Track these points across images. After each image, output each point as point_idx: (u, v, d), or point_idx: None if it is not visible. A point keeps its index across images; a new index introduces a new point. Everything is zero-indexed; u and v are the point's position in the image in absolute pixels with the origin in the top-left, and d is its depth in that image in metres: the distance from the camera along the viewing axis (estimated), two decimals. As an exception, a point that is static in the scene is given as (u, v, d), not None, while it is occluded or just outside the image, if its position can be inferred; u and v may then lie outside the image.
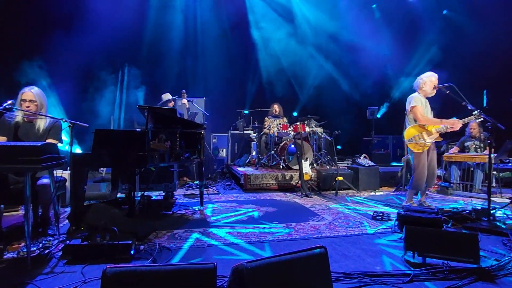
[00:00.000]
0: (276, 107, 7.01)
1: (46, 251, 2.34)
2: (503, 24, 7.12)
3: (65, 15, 6.44)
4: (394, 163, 7.15)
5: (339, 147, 8.97)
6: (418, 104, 3.75)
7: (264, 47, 8.93)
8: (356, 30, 8.97)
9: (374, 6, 9.36)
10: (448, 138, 6.50)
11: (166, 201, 4.32)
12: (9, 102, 2.61)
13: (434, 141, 3.78)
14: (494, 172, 5.09)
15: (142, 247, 2.46)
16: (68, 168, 3.35)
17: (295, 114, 9.02)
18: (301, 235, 2.92)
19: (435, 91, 3.79)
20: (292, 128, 6.20)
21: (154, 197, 4.33)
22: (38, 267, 2.12)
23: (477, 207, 3.33)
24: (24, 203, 2.12)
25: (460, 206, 3.88)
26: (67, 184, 3.60)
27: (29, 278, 1.97)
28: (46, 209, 2.76)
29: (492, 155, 3.32)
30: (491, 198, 3.21)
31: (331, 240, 2.80)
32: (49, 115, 2.84)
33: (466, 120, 3.73)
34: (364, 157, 6.28)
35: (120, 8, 7.18)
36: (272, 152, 6.37)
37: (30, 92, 2.80)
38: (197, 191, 4.86)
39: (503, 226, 3.00)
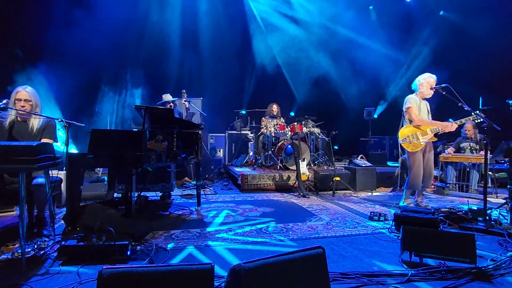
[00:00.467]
0: (274, 107, 7.01)
1: (41, 252, 2.31)
2: (500, 24, 7.18)
3: (64, 15, 6.40)
4: (391, 163, 7.18)
5: (336, 147, 8.99)
6: (413, 105, 3.81)
7: (262, 47, 8.93)
8: (353, 31, 9.01)
9: (371, 7, 9.40)
10: (444, 139, 6.54)
11: (163, 201, 4.30)
12: (4, 101, 2.58)
13: (428, 141, 3.81)
14: (490, 173, 5.13)
15: (138, 247, 2.44)
16: (64, 168, 3.32)
17: (292, 114, 9.03)
18: (298, 235, 2.92)
19: (432, 92, 3.82)
20: (289, 129, 6.20)
21: (150, 198, 4.31)
22: (33, 268, 2.10)
23: (473, 208, 3.34)
24: (19, 203, 2.09)
25: (456, 206, 3.90)
26: (63, 184, 3.57)
27: (24, 279, 1.95)
28: (42, 209, 2.74)
29: (488, 155, 3.34)
30: (487, 199, 3.23)
31: (329, 240, 2.80)
32: (43, 115, 2.82)
33: (463, 120, 3.78)
34: (361, 157, 6.30)
35: (119, 8, 7.15)
36: (270, 152, 6.37)
37: (25, 92, 2.77)
38: (194, 192, 4.85)
39: (499, 226, 3.02)
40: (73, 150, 5.04)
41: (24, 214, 2.12)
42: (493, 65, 7.20)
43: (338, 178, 5.12)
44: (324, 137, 6.88)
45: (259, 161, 6.55)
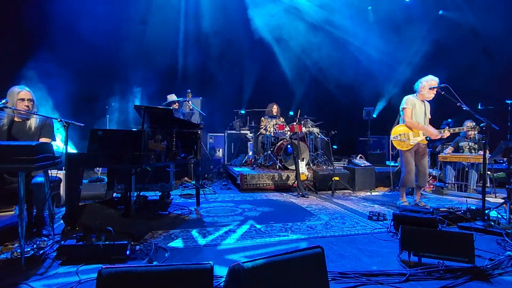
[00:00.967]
0: (274, 107, 7.01)
1: (41, 252, 2.31)
2: (500, 23, 7.19)
3: (65, 12, 6.38)
4: (389, 163, 7.19)
5: (335, 147, 9.00)
6: (409, 106, 3.93)
7: (262, 47, 8.93)
8: (353, 30, 9.01)
9: (369, 8, 9.41)
10: (443, 138, 6.56)
11: (162, 201, 4.30)
12: (3, 101, 2.58)
13: (419, 142, 3.92)
14: (489, 173, 5.15)
15: (138, 247, 2.44)
16: (63, 168, 3.32)
17: (291, 113, 9.03)
18: (298, 234, 2.92)
19: (433, 94, 3.89)
20: (288, 128, 6.21)
21: (150, 197, 4.31)
22: (32, 268, 2.10)
23: (472, 207, 3.35)
24: (18, 203, 2.09)
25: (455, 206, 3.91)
26: (62, 184, 3.57)
27: (23, 279, 1.95)
28: (41, 209, 2.73)
29: (487, 155, 3.36)
30: (486, 198, 3.24)
31: (328, 240, 2.80)
32: (42, 114, 2.81)
33: (456, 129, 3.93)
34: (360, 157, 6.31)
35: (117, 7, 7.14)
36: (269, 152, 6.38)
37: (26, 91, 2.79)
38: (193, 191, 4.85)
39: (498, 226, 3.02)
40: (71, 149, 5.02)
41: (24, 214, 2.12)
42: (493, 64, 7.21)
43: (337, 178, 5.13)
44: (323, 137, 6.89)
45: (258, 161, 6.56)
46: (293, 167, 5.73)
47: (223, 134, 7.81)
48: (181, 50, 8.36)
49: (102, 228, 2.37)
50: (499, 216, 3.38)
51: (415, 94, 4.01)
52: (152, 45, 7.84)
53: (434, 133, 3.88)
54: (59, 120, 2.68)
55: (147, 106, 3.10)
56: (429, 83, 3.87)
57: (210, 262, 1.43)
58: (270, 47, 8.95)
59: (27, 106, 2.76)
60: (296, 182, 5.13)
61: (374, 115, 8.88)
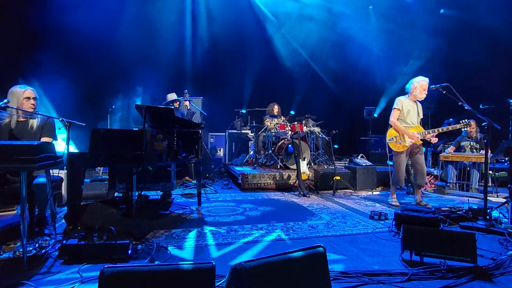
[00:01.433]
0: (275, 107, 7.00)
1: (43, 251, 2.32)
2: (501, 22, 7.16)
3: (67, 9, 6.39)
4: (390, 163, 7.18)
5: (336, 146, 8.99)
6: (398, 107, 4.03)
7: (263, 46, 8.92)
8: (354, 30, 8.99)
9: (370, 7, 9.39)
10: (445, 137, 6.55)
11: (164, 200, 4.30)
12: (5, 101, 2.59)
13: (414, 143, 3.99)
14: (490, 172, 5.13)
15: (139, 246, 2.44)
16: (65, 167, 3.32)
17: (292, 112, 9.03)
18: (299, 234, 2.92)
19: (424, 95, 4.00)
20: (289, 128, 6.20)
21: (151, 197, 4.31)
22: (34, 267, 2.10)
23: (474, 207, 3.35)
24: (20, 202, 2.10)
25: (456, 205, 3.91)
26: (64, 183, 3.58)
27: (25, 278, 1.95)
28: (43, 208, 2.74)
29: (489, 154, 3.35)
30: (487, 198, 3.23)
31: (329, 239, 2.80)
32: (43, 114, 2.82)
33: (445, 128, 3.95)
34: (361, 156, 6.30)
35: (117, 8, 7.15)
36: (270, 151, 6.37)
37: (31, 90, 2.81)
38: (194, 191, 4.86)
39: (500, 225, 3.02)
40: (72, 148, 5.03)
41: (25, 213, 2.13)
42: (494, 63, 7.19)
43: (338, 177, 5.12)
44: (324, 136, 6.89)
45: (260, 160, 6.55)
46: (294, 166, 5.73)
47: (224, 134, 7.81)
48: (182, 50, 8.36)
49: (104, 227, 2.38)
50: (501, 215, 3.37)
51: (406, 95, 4.11)
52: (153, 45, 7.85)
53: (413, 136, 3.94)
54: (60, 119, 2.69)
55: (148, 105, 3.10)
56: (420, 84, 3.96)
57: (212, 261, 1.43)
58: (271, 46, 8.95)
59: (33, 105, 2.79)
60: (297, 182, 5.13)
61: (375, 115, 8.87)
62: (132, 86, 7.60)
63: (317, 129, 6.78)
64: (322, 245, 1.61)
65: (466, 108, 3.45)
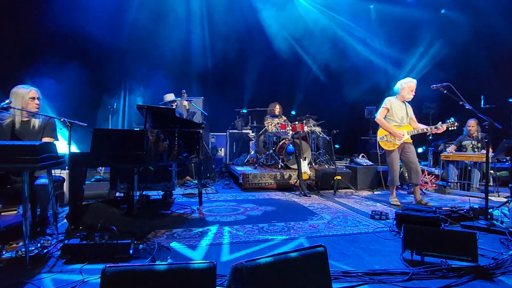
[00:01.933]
0: (277, 107, 7.00)
1: (45, 251, 2.33)
2: (502, 22, 7.15)
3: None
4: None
5: (337, 146, 8.99)
6: (387, 106, 4.14)
7: (265, 46, 8.92)
8: (355, 29, 8.99)
9: (371, 6, 9.38)
10: (446, 137, 6.54)
11: (165, 200, 4.32)
12: (7, 101, 2.60)
13: (404, 141, 4.07)
14: (491, 171, 5.13)
15: (141, 246, 2.45)
16: (67, 167, 3.34)
17: (293, 112, 9.03)
18: (300, 233, 2.93)
19: (412, 96, 4.12)
20: (290, 128, 6.20)
21: (152, 197, 4.33)
22: (36, 267, 2.11)
23: (475, 206, 3.34)
24: (22, 202, 2.11)
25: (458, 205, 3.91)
26: (66, 183, 3.59)
27: (28, 277, 1.96)
28: (45, 208, 2.75)
29: (490, 154, 3.35)
30: (489, 197, 3.22)
31: (330, 239, 2.80)
32: (44, 114, 2.83)
33: (433, 127, 4.00)
34: (362, 156, 6.30)
35: (117, 7, 7.16)
36: (271, 151, 6.38)
37: (35, 90, 2.83)
38: (195, 191, 4.87)
39: (501, 225, 3.02)
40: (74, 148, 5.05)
41: (28, 213, 2.13)
42: (496, 63, 7.18)
43: (339, 177, 5.12)
44: (325, 136, 6.88)
45: (260, 160, 6.56)
46: (295, 166, 5.73)
47: (225, 134, 7.82)
48: (182, 50, 8.36)
49: (105, 227, 2.39)
50: (502, 215, 3.37)
51: (395, 96, 4.22)
52: (154, 46, 7.85)
53: (397, 134, 4.02)
54: (62, 119, 2.70)
55: (149, 105, 3.11)
56: (408, 85, 4.10)
57: (213, 261, 1.43)
58: (272, 46, 8.94)
59: (37, 104, 2.81)
60: (298, 181, 5.13)
61: (376, 114, 8.86)
62: (133, 86, 7.61)
63: (318, 129, 6.77)
64: (323, 244, 1.61)
65: (467, 107, 3.45)
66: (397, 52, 8.87)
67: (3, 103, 2.54)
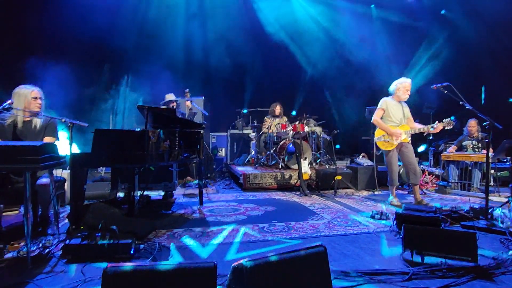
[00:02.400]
0: (277, 107, 7.00)
1: (46, 251, 2.34)
2: (502, 23, 7.14)
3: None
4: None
5: (338, 146, 8.99)
6: (383, 106, 4.15)
7: (265, 46, 8.92)
8: (355, 29, 8.99)
9: (372, 6, 9.38)
10: (446, 137, 6.54)
11: (165, 200, 4.33)
12: (8, 102, 2.62)
13: (402, 142, 4.07)
14: (492, 171, 5.12)
15: (142, 246, 2.46)
16: (68, 167, 3.35)
17: (293, 113, 9.03)
18: (301, 233, 2.93)
19: (407, 96, 4.14)
20: (291, 128, 6.21)
21: (153, 197, 4.34)
22: (38, 267, 2.12)
23: (475, 206, 3.35)
24: (24, 202, 2.12)
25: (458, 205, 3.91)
26: (67, 183, 3.60)
27: (29, 277, 1.97)
28: (46, 208, 2.76)
29: (490, 154, 3.35)
30: (489, 197, 3.23)
31: (330, 239, 2.81)
32: (46, 115, 2.85)
33: (429, 127, 3.98)
34: (363, 156, 6.30)
35: (120, 7, 7.17)
36: (271, 151, 6.38)
37: (38, 90, 2.85)
38: (196, 191, 4.87)
39: (501, 225, 3.02)
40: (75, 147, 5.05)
41: (29, 213, 2.15)
42: (496, 63, 7.17)
43: (339, 177, 5.12)
44: (325, 136, 6.89)
45: (261, 160, 6.56)
46: (295, 166, 5.73)
47: (225, 134, 7.83)
48: (183, 49, 8.37)
49: (107, 227, 2.39)
50: (502, 215, 3.37)
51: (391, 96, 4.23)
52: (154, 44, 7.86)
53: (393, 133, 4.03)
54: (63, 120, 2.71)
55: (150, 106, 3.12)
56: (403, 85, 4.12)
57: (214, 261, 1.44)
58: (273, 46, 8.95)
59: (40, 104, 2.83)
60: (298, 182, 5.14)
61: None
62: (133, 85, 7.62)
63: (318, 129, 6.78)
64: (323, 244, 1.62)
65: (467, 107, 3.45)
66: (398, 52, 8.86)
67: (5, 104, 2.55)
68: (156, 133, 2.91)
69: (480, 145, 5.41)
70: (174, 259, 2.31)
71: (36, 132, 2.83)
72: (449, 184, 5.25)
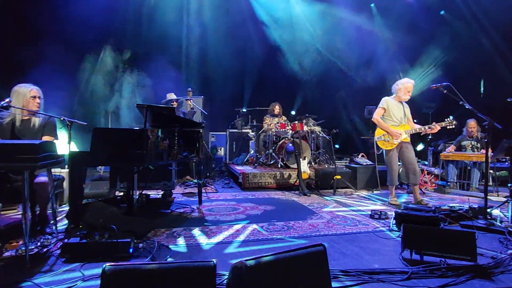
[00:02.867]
0: (277, 107, 7.00)
1: (45, 250, 2.33)
2: (501, 23, 7.15)
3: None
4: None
5: (337, 146, 8.99)
6: (383, 106, 4.16)
7: (264, 45, 8.92)
8: (355, 28, 8.98)
9: (372, 5, 9.38)
10: (446, 137, 6.55)
11: (165, 199, 4.32)
12: (6, 100, 2.60)
13: (402, 141, 4.07)
14: (491, 171, 5.13)
15: (141, 245, 2.45)
16: (66, 166, 3.34)
17: (293, 112, 9.04)
18: (300, 233, 2.93)
19: (408, 96, 4.14)
20: (290, 127, 6.21)
21: (152, 196, 4.33)
22: (36, 265, 2.11)
23: (474, 206, 3.35)
24: (22, 201, 2.11)
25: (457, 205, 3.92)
26: (65, 182, 3.59)
27: (28, 276, 1.96)
28: (44, 207, 2.76)
29: (489, 154, 3.35)
30: (488, 197, 3.23)
31: (329, 238, 2.81)
32: (44, 113, 2.84)
33: (429, 126, 3.98)
34: (362, 156, 6.30)
35: (120, 6, 7.16)
36: (271, 151, 6.38)
37: (37, 88, 2.84)
38: (195, 190, 4.87)
39: (500, 224, 3.02)
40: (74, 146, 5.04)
41: (28, 212, 2.14)
42: (497, 63, 7.18)
43: (339, 177, 5.12)
44: (325, 136, 6.89)
45: (260, 160, 6.56)
46: (294, 165, 5.73)
47: (225, 133, 7.82)
48: (182, 49, 8.36)
49: (105, 226, 2.39)
50: (501, 214, 3.38)
51: (392, 96, 4.23)
52: (153, 44, 7.84)
53: (394, 134, 4.03)
54: (62, 118, 2.70)
55: (150, 105, 3.11)
56: (404, 86, 4.11)
57: (213, 259, 1.44)
58: (272, 45, 8.94)
59: (38, 103, 2.82)
60: (298, 181, 5.14)
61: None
62: (133, 85, 7.60)
63: (317, 128, 6.78)
64: (322, 243, 1.62)
65: (466, 107, 3.45)
66: (398, 52, 8.86)
67: (3, 102, 2.54)
68: (155, 132, 2.91)
69: (479, 145, 5.41)
70: (173, 258, 2.30)
71: (34, 131, 2.82)
72: (448, 183, 5.26)
